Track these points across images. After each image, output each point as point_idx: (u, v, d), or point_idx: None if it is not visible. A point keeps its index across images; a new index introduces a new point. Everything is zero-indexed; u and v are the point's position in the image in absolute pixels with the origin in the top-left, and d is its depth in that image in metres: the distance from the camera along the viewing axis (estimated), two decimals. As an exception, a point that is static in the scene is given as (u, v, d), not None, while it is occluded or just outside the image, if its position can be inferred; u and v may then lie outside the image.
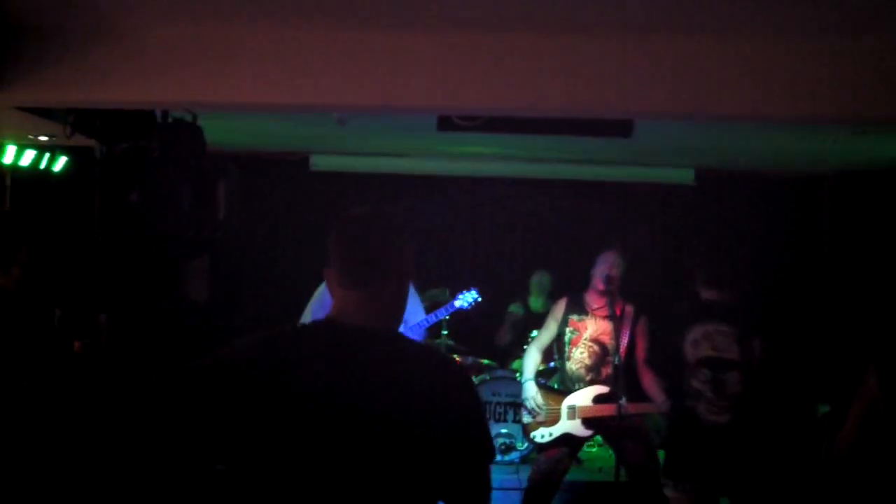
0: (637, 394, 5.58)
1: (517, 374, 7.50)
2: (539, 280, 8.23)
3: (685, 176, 8.35)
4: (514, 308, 8.28)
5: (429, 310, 6.24)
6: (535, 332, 7.28)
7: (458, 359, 7.89)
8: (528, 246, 8.96)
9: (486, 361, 7.93)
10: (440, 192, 8.82)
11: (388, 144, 7.28)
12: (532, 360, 5.89)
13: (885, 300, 6.52)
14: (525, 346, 7.44)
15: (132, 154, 5.01)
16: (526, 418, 5.79)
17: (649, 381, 5.56)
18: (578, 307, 5.76)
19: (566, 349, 5.76)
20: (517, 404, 7.27)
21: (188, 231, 5.11)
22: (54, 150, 7.07)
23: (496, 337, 8.25)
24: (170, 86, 4.59)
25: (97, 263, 5.20)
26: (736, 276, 4.22)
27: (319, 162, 8.30)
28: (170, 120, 5.30)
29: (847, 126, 4.92)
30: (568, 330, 5.75)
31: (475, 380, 7.45)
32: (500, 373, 7.63)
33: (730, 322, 4.15)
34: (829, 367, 6.05)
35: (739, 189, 8.48)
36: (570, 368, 5.74)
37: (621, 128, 4.85)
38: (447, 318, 7.90)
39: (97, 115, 4.81)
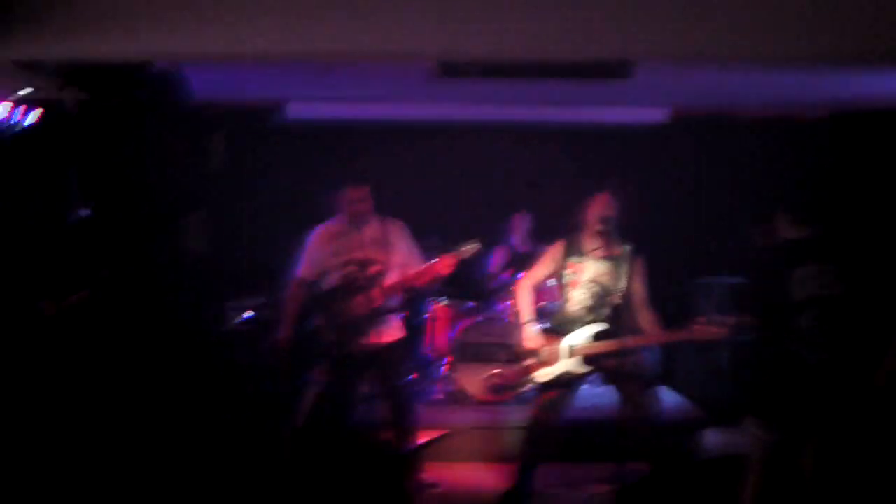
0: (635, 331, 5.65)
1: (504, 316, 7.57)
2: (521, 222, 8.26)
3: (659, 115, 8.33)
4: (501, 250, 8.30)
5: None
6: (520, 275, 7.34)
7: (445, 302, 7.94)
8: (509, 190, 8.91)
9: (472, 304, 7.96)
10: (419, 139, 8.75)
11: (370, 91, 7.16)
12: (526, 299, 5.90)
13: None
14: (511, 289, 7.50)
15: (124, 107, 4.93)
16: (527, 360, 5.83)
17: (647, 319, 5.64)
18: (576, 249, 5.77)
19: (565, 291, 5.79)
20: (507, 345, 7.34)
21: (184, 183, 5.06)
22: (27, 103, 6.91)
23: (486, 280, 8.28)
24: (161, 37, 4.51)
25: (93, 219, 5.12)
26: (823, 212, 4.21)
27: (296, 110, 8.16)
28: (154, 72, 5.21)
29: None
30: (567, 272, 5.76)
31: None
32: (488, 314, 7.66)
33: (830, 260, 4.14)
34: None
35: (714, 129, 8.46)
36: (570, 310, 5.77)
37: (619, 70, 4.83)
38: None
39: (90, 68, 4.70)
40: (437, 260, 5.88)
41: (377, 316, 5.81)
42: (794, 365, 4.15)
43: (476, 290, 8.33)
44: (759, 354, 4.46)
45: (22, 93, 5.93)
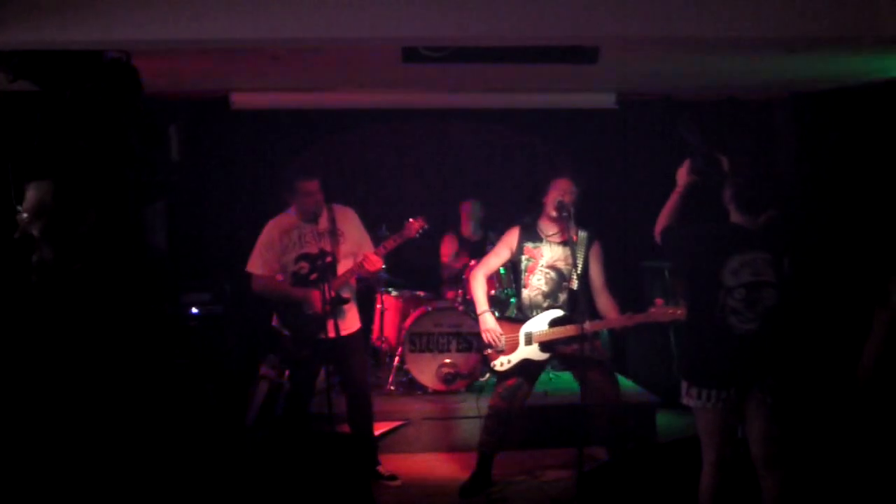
0: (593, 315, 5.67)
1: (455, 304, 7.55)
2: (470, 209, 8.25)
3: (606, 100, 8.33)
4: (450, 238, 8.28)
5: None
6: (472, 262, 7.34)
7: (394, 293, 7.89)
8: (457, 177, 8.87)
9: (422, 293, 7.93)
10: (365, 125, 8.68)
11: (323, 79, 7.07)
12: (481, 287, 5.89)
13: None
14: (463, 277, 7.50)
15: (78, 98, 4.79)
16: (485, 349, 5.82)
17: (605, 303, 5.66)
18: (533, 234, 5.79)
19: (522, 277, 5.80)
20: (459, 334, 7.33)
21: (142, 175, 4.94)
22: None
23: (442, 267, 8.26)
24: (112, 26, 4.39)
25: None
26: (769, 201, 4.31)
27: (240, 100, 8.00)
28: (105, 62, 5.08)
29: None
30: (524, 258, 5.78)
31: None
32: (439, 304, 7.64)
33: (766, 248, 4.25)
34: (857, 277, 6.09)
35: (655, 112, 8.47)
36: (528, 296, 5.78)
37: (587, 55, 4.83)
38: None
39: (43, 58, 4.55)
40: (381, 246, 5.87)
41: (333, 307, 5.74)
42: (721, 333, 4.26)
43: (427, 279, 8.29)
44: (690, 325, 4.55)
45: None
